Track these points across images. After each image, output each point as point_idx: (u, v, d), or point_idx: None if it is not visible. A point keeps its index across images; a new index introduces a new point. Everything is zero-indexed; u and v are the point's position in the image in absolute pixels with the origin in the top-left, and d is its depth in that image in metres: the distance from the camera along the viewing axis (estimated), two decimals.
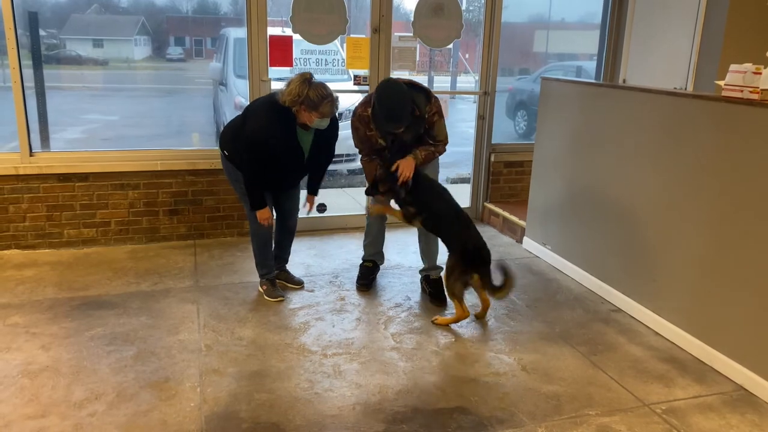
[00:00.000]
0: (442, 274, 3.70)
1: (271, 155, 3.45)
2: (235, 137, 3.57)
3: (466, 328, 3.49)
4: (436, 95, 3.61)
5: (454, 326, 3.50)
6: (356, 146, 3.75)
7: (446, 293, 3.60)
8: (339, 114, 3.62)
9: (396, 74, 4.99)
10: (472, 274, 3.42)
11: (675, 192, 3.35)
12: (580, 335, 3.45)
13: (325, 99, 3.33)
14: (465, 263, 3.43)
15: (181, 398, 2.74)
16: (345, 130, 3.85)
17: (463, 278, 3.43)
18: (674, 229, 3.37)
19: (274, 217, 3.82)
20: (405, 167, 3.48)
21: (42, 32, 4.59)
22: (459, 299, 3.45)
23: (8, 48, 4.15)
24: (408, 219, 3.62)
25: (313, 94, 3.31)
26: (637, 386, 2.95)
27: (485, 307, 3.61)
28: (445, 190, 3.64)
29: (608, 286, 3.91)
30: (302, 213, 3.98)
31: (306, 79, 3.35)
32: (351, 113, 6.32)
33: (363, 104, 3.63)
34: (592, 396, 2.87)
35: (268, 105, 3.46)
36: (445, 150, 3.72)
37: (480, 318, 3.60)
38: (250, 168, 3.48)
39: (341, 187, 6.92)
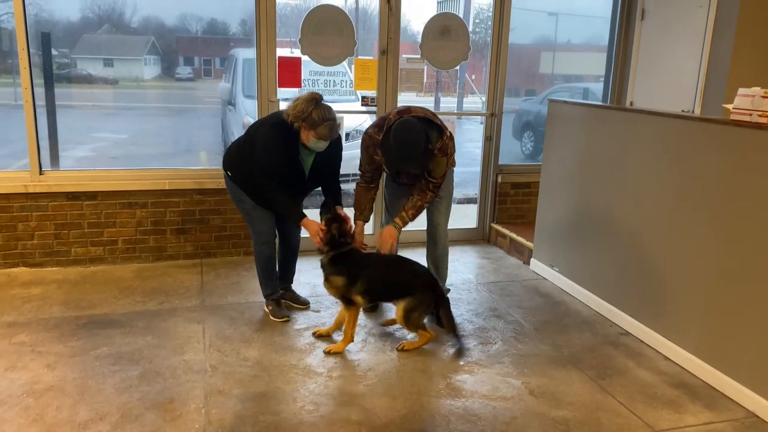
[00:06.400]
0: (404, 311, 3.43)
1: (281, 174, 3.46)
2: (239, 157, 3.59)
3: (473, 351, 3.46)
4: (449, 136, 3.53)
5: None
6: (361, 168, 3.72)
7: (408, 328, 3.47)
8: (346, 134, 3.61)
9: (404, 95, 5.02)
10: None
11: (683, 215, 3.34)
12: (589, 359, 3.42)
13: (326, 121, 3.34)
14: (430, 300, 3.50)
15: (186, 420, 2.72)
16: (351, 150, 3.85)
17: (427, 310, 3.51)
18: (683, 252, 3.34)
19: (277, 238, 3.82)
20: (385, 240, 3.63)
21: (54, 51, 4.65)
22: (423, 327, 3.48)
23: (21, 68, 4.19)
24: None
25: (316, 114, 3.33)
26: (646, 412, 2.91)
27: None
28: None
29: (617, 309, 3.88)
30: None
31: (314, 98, 3.37)
32: (359, 133, 6.37)
33: (375, 126, 3.60)
34: (601, 421, 2.83)
35: (277, 125, 3.46)
36: (432, 196, 3.60)
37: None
38: (272, 190, 3.47)
39: (348, 206, 6.90)
